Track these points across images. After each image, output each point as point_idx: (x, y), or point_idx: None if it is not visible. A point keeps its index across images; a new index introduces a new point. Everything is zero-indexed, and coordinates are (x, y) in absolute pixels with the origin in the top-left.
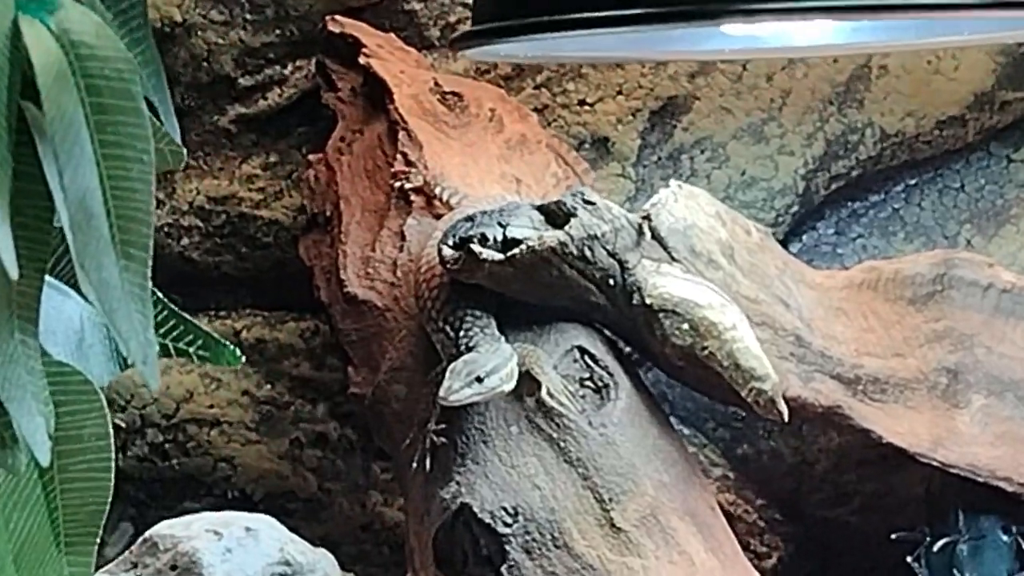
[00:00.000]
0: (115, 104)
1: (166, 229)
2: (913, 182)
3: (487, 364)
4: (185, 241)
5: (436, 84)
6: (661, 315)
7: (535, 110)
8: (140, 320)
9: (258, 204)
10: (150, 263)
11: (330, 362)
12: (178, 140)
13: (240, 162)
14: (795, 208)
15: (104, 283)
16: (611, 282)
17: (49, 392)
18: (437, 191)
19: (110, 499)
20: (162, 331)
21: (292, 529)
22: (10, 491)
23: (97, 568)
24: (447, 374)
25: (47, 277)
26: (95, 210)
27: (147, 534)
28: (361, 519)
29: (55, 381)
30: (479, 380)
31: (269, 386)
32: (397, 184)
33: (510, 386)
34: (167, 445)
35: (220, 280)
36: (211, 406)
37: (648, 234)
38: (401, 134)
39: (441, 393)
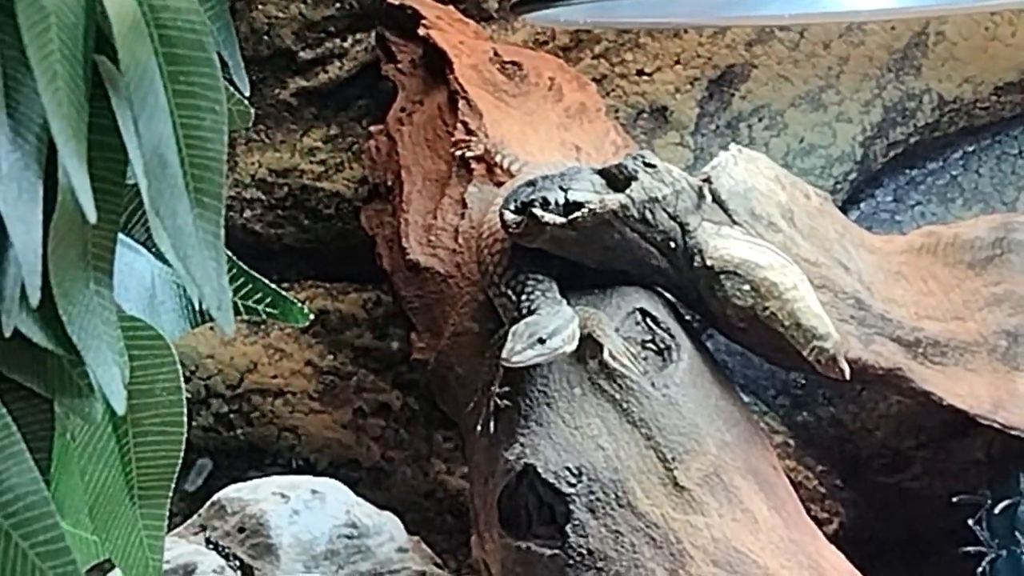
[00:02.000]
0: (188, 55)
1: (229, 202)
2: (971, 148)
3: (549, 325)
4: (248, 213)
5: (495, 54)
6: (722, 276)
7: (594, 80)
8: (214, 267)
9: (319, 176)
10: (223, 211)
11: (392, 332)
12: (247, 94)
13: (301, 135)
14: (853, 175)
15: (179, 230)
16: (672, 245)
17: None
18: (498, 159)
19: (182, 453)
20: (232, 288)
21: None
22: (85, 443)
23: (170, 519)
24: (509, 336)
25: (121, 236)
26: (170, 158)
27: (215, 497)
28: (424, 487)
29: (128, 336)
30: (541, 341)
31: (332, 356)
32: (458, 152)
33: (572, 347)
34: (231, 415)
35: (282, 252)
36: (275, 376)
37: (708, 197)
38: (461, 103)
39: (504, 355)
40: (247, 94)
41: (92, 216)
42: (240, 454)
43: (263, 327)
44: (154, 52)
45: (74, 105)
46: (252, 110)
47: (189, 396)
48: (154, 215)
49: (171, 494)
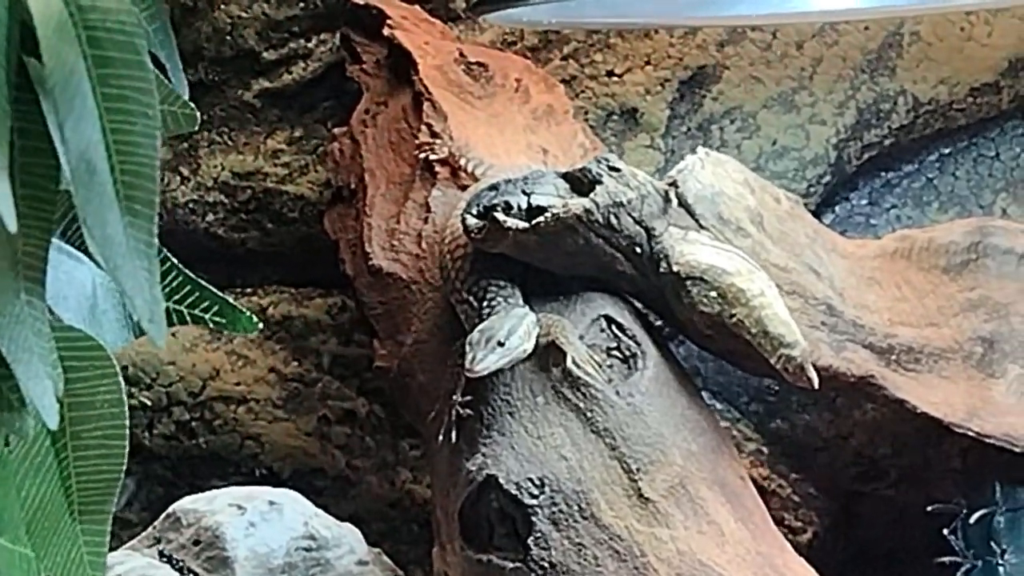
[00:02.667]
0: (118, 57)
1: (191, 205)
2: (947, 151)
3: (503, 327)
4: (210, 217)
5: (461, 55)
6: (688, 283)
7: (562, 81)
8: (146, 277)
9: (284, 179)
10: (156, 219)
11: (358, 338)
12: (186, 96)
13: (265, 137)
14: (827, 178)
15: (108, 239)
16: (638, 250)
17: (60, 358)
18: (462, 162)
19: (124, 467)
20: (177, 297)
21: (320, 507)
22: (22, 456)
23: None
24: (467, 346)
25: (59, 242)
26: (98, 164)
27: (170, 509)
28: (390, 496)
29: (66, 347)
30: (500, 344)
31: (296, 363)
32: (422, 156)
33: (531, 344)
34: (193, 423)
35: (246, 256)
36: (238, 383)
37: (675, 201)
38: (426, 105)
39: (468, 365)
40: (185, 97)
41: (11, 226)
42: (202, 463)
43: (226, 333)
44: (82, 54)
45: None
46: (198, 114)
47: (150, 404)
48: (83, 224)
49: (112, 510)
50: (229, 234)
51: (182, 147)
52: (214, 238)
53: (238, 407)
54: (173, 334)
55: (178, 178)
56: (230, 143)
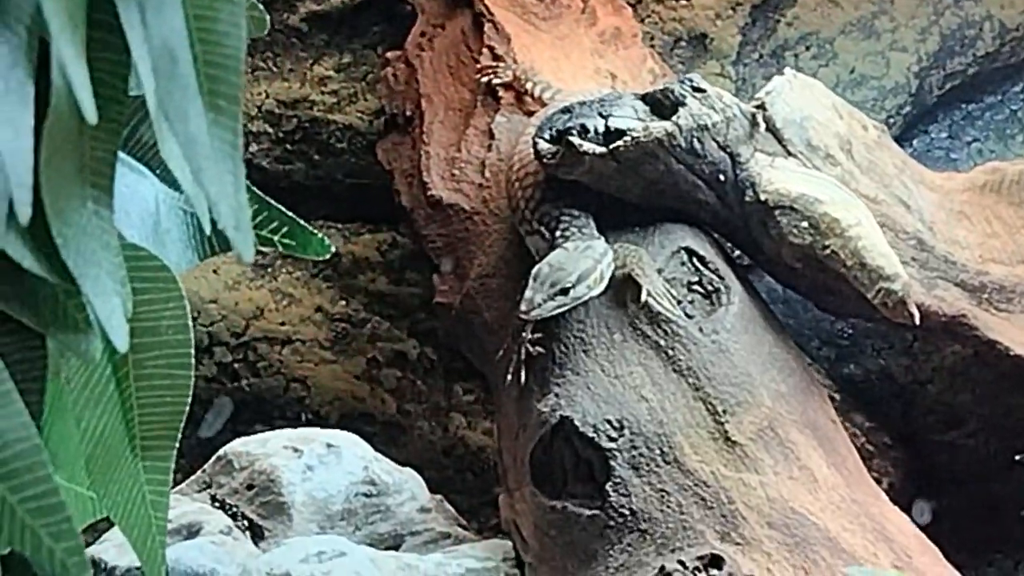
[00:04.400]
0: None
1: None
2: None
3: (574, 271)
4: (254, 148)
5: None
6: (777, 212)
7: (629, 5)
8: (231, 181)
9: (331, 108)
10: (240, 117)
11: (409, 276)
12: None
13: (312, 63)
14: (907, 109)
15: (191, 137)
16: (721, 177)
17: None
18: (528, 86)
19: (189, 400)
20: None
21: None
22: (82, 386)
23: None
24: (530, 282)
25: (121, 154)
26: (181, 55)
27: (221, 452)
28: (443, 443)
29: (129, 266)
30: (564, 292)
31: (344, 302)
32: (484, 80)
33: (599, 290)
34: (236, 365)
35: (291, 189)
36: (283, 323)
37: (762, 125)
38: (487, 27)
39: (522, 307)
40: None
41: (92, 116)
42: (245, 407)
43: (270, 270)
44: None
45: None
46: (268, 17)
47: None
48: (162, 120)
49: (177, 445)
50: (274, 166)
51: None
52: (258, 170)
53: (283, 348)
54: (215, 271)
55: (245, 49)
56: (275, 69)
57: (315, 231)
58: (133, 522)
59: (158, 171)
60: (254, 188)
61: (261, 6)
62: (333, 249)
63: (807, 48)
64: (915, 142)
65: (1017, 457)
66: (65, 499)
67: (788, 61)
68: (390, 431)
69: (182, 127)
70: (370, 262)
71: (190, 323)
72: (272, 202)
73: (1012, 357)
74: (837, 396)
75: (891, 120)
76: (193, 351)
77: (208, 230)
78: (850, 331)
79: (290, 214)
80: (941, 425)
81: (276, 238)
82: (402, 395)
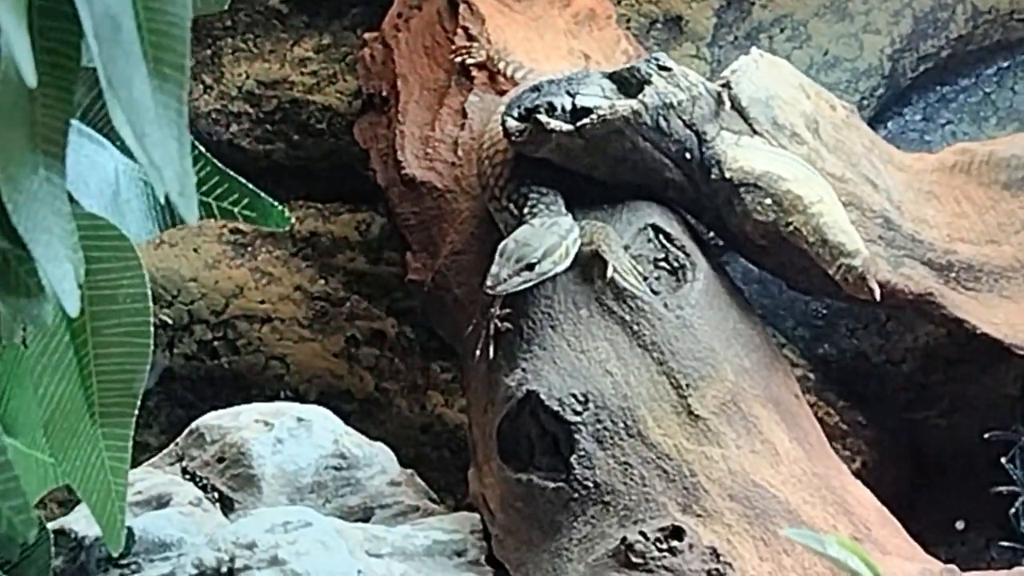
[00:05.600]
0: None
1: (213, 115)
2: (1006, 64)
3: (539, 247)
4: (234, 128)
5: None
6: (742, 189)
7: None
8: (176, 148)
9: (311, 89)
10: (187, 85)
11: (387, 255)
12: None
13: (292, 44)
14: (880, 91)
15: (135, 103)
16: (687, 155)
17: (80, 245)
18: (501, 66)
19: (148, 367)
20: (205, 188)
21: None
22: (40, 353)
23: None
24: (496, 257)
25: (80, 124)
26: (124, 21)
27: (193, 424)
28: (420, 420)
29: (87, 235)
30: (529, 267)
31: (323, 281)
32: (458, 60)
33: (564, 266)
34: (216, 342)
35: (271, 169)
36: (262, 301)
37: (728, 103)
38: (462, 7)
39: (488, 282)
40: None
41: (32, 80)
42: (224, 384)
43: (250, 249)
44: None
45: None
46: None
47: (171, 322)
48: (107, 86)
49: (136, 411)
50: (254, 146)
51: (204, 54)
52: (238, 150)
53: (262, 326)
54: (195, 250)
55: (201, 87)
56: (255, 50)
57: (275, 203)
58: (92, 487)
59: (119, 143)
60: (213, 160)
61: None
62: (293, 220)
63: (781, 30)
64: (890, 124)
65: (986, 435)
66: (13, 459)
67: (763, 43)
68: (368, 408)
69: (126, 93)
70: (349, 241)
71: (148, 292)
72: (232, 174)
73: (979, 336)
74: (812, 375)
75: (865, 102)
76: (152, 319)
77: (163, 199)
78: (824, 311)
79: (250, 186)
80: (914, 404)
81: (237, 210)
82: (380, 373)
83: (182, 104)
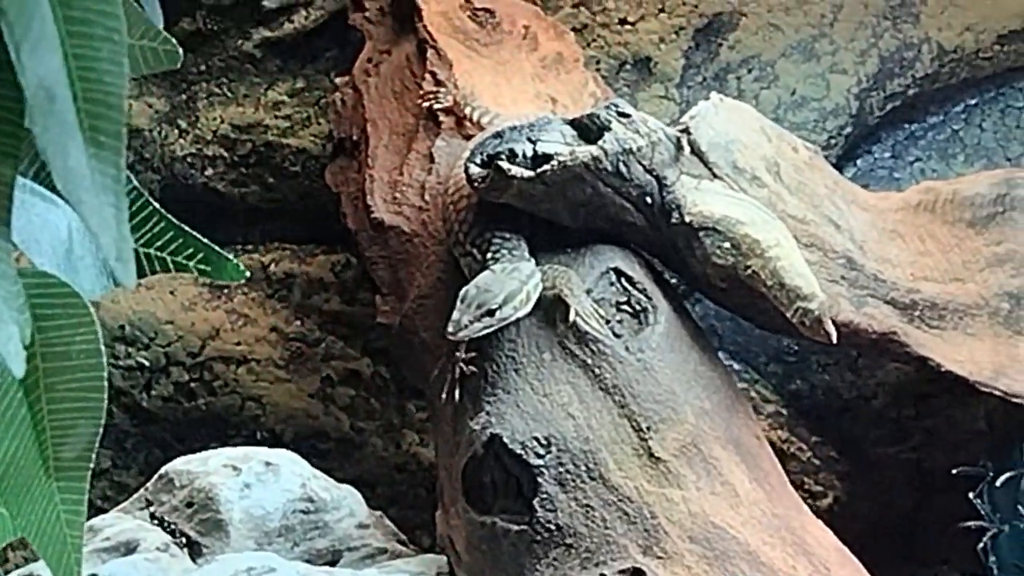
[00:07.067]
0: None
1: (189, 159)
2: (973, 101)
3: (500, 293)
4: (209, 171)
5: (467, 1)
6: (701, 233)
7: (573, 30)
8: (113, 214)
9: (285, 132)
10: (123, 152)
11: (362, 296)
12: (160, 26)
13: (266, 88)
14: (848, 130)
15: (71, 172)
16: (648, 200)
17: (32, 304)
18: (467, 111)
19: (102, 422)
20: (159, 243)
21: (324, 471)
22: None
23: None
24: (457, 304)
25: (32, 184)
26: (58, 92)
27: (163, 470)
28: (396, 460)
29: (39, 293)
30: (490, 313)
31: (299, 322)
32: (426, 104)
33: (525, 311)
34: (193, 384)
35: (246, 212)
36: (238, 343)
37: (687, 148)
38: (430, 53)
39: (449, 329)
40: (160, 27)
41: None
42: (202, 425)
43: (226, 291)
44: None
45: None
46: (180, 50)
47: (148, 364)
48: (44, 155)
49: (91, 466)
50: (229, 189)
51: (180, 99)
52: (213, 193)
53: (238, 368)
54: (171, 292)
55: (176, 131)
56: (230, 95)
57: (229, 256)
58: (47, 541)
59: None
60: (167, 216)
61: (174, 40)
62: (248, 274)
63: (749, 71)
64: (859, 161)
65: (955, 471)
66: None
67: (731, 83)
68: (344, 448)
69: (61, 162)
70: (324, 282)
71: (102, 348)
72: (187, 229)
73: (944, 373)
74: (784, 411)
75: (833, 141)
76: (106, 375)
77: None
78: (796, 347)
79: (205, 240)
80: (886, 439)
81: (192, 264)
82: (356, 413)
83: (119, 171)
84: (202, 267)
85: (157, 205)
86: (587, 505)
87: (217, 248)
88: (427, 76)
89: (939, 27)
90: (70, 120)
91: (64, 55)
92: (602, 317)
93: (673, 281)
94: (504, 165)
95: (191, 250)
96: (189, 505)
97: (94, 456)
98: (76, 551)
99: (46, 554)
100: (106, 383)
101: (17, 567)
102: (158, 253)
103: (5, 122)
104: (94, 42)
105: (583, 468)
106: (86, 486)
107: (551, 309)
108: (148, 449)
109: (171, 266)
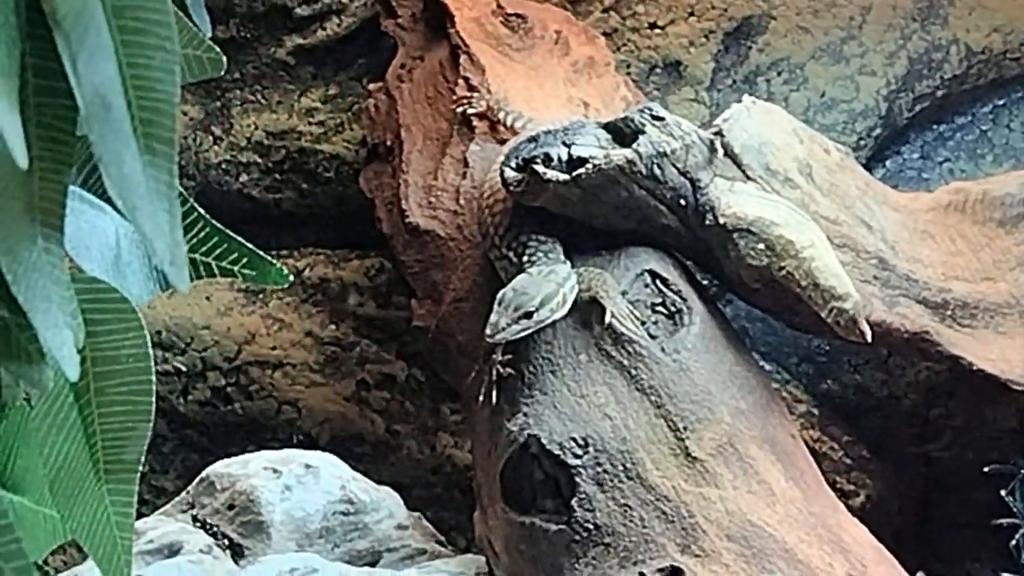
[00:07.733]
0: None
1: (224, 166)
2: (1001, 102)
3: (537, 295)
4: (244, 178)
5: (499, 6)
6: (735, 235)
7: (603, 34)
8: (167, 219)
9: (319, 138)
10: (176, 159)
11: (396, 300)
12: (208, 34)
13: (299, 95)
14: (877, 131)
15: (126, 179)
16: (682, 202)
17: (82, 310)
18: (501, 115)
19: (151, 424)
20: (205, 249)
21: (359, 473)
22: (44, 413)
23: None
24: (495, 306)
25: (81, 191)
26: (113, 100)
27: (204, 473)
28: (431, 462)
29: (89, 299)
30: (528, 316)
31: (333, 326)
32: (459, 110)
33: (562, 314)
34: (229, 388)
35: (281, 218)
36: (274, 348)
37: (720, 151)
38: (463, 58)
39: (488, 331)
40: (208, 34)
41: (22, 161)
42: (238, 429)
43: (261, 296)
44: None
45: (3, 41)
46: (223, 59)
47: (184, 369)
48: (100, 163)
49: (140, 468)
50: (263, 195)
51: (214, 106)
52: (248, 199)
53: (274, 372)
54: (207, 297)
55: (210, 138)
56: (263, 102)
57: (274, 261)
58: (98, 543)
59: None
60: (213, 221)
61: (217, 48)
62: (291, 278)
63: (779, 73)
64: (888, 163)
65: (986, 469)
66: (21, 516)
67: (760, 86)
68: (379, 451)
69: (116, 170)
70: (358, 287)
71: (150, 352)
72: (232, 234)
73: (976, 372)
74: (816, 411)
75: (862, 142)
76: (154, 379)
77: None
78: (827, 347)
79: (249, 245)
80: (917, 438)
81: (237, 268)
82: (391, 416)
83: (172, 177)
84: (247, 272)
85: (202, 211)
86: (625, 504)
87: (262, 253)
88: (460, 81)
89: (967, 28)
90: (125, 128)
91: (119, 64)
92: (637, 318)
93: (705, 282)
94: (540, 169)
95: (236, 255)
96: (231, 507)
97: (142, 458)
98: (126, 552)
99: (97, 555)
100: (154, 386)
101: (57, 571)
102: (203, 258)
103: (58, 130)
104: (147, 51)
105: (620, 468)
106: (135, 488)
107: (587, 311)
108: (185, 453)
109: (216, 271)
